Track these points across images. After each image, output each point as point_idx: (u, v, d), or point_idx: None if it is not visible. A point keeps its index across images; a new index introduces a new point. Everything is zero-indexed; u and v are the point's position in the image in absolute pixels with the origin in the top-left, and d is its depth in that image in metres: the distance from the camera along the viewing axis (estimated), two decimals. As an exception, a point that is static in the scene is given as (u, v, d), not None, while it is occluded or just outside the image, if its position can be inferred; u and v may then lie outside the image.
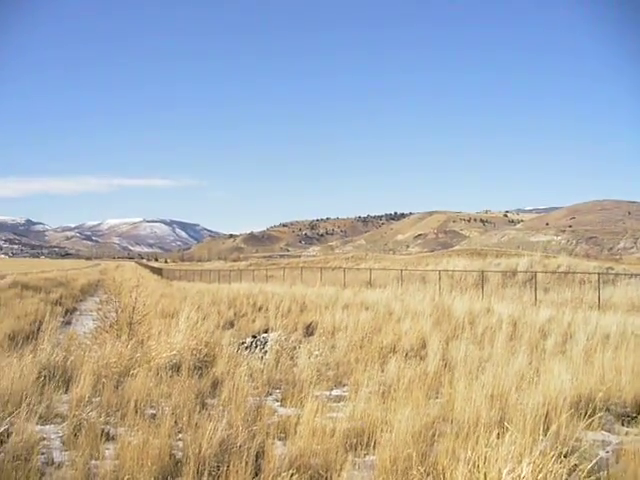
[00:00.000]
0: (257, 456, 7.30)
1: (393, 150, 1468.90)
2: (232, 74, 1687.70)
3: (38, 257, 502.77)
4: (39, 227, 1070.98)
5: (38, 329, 22.46)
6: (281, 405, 10.43)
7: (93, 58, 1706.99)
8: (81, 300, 44.26)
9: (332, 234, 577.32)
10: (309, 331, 21.80)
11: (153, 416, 8.79)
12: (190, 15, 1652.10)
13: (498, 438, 6.64)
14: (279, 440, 8.28)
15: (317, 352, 14.43)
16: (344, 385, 12.30)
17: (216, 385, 11.05)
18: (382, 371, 12.56)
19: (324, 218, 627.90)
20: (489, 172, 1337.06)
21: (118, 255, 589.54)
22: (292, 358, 13.99)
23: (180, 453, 7.47)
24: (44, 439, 8.12)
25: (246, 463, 6.83)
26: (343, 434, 8.18)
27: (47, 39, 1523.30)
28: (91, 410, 8.79)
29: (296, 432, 8.24)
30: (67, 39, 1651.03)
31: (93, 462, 7.26)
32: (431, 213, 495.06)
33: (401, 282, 37.75)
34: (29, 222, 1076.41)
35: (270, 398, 10.84)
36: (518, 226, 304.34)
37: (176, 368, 11.61)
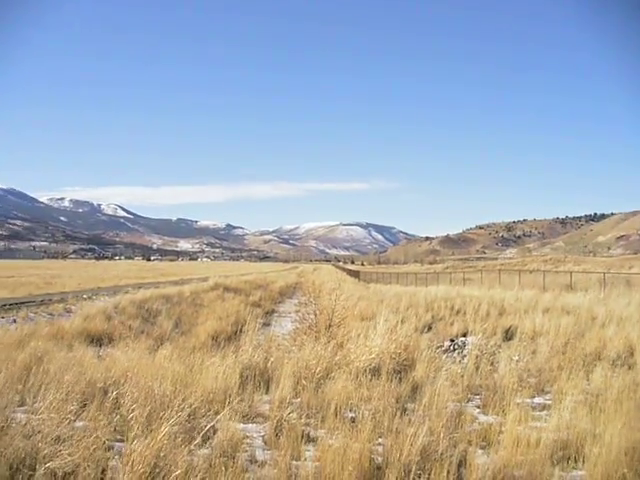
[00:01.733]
0: (459, 465, 7.09)
1: (593, 147, 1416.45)
2: (423, 75, 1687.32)
3: (238, 260, 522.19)
4: (239, 231, 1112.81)
5: (239, 330, 23.26)
6: (481, 412, 10.06)
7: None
8: (279, 302, 45.50)
9: (529, 236, 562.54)
10: (508, 335, 21.28)
11: (353, 420, 8.73)
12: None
13: None
14: (480, 449, 7.97)
15: (516, 357, 13.99)
16: (547, 393, 11.76)
17: (416, 389, 10.82)
18: (587, 379, 11.96)
19: (521, 219, 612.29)
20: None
21: (315, 258, 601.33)
22: (492, 363, 13.59)
23: (380, 458, 7.34)
24: (246, 437, 8.27)
25: (448, 472, 6.64)
26: (548, 446, 7.74)
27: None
28: (292, 411, 8.88)
29: (498, 441, 7.97)
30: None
31: (294, 463, 7.31)
32: (634, 213, 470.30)
33: (603, 286, 36.10)
34: (229, 226, 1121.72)
35: (470, 404, 10.50)
36: None
37: (375, 372, 11.52)
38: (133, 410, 8.10)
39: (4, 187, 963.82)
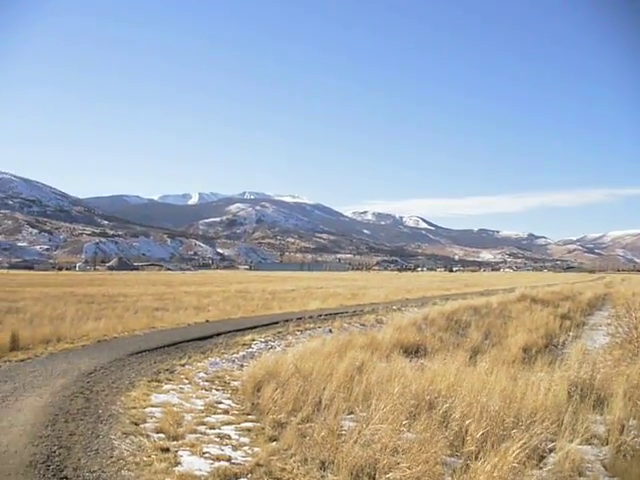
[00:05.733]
0: None
1: None
2: None
3: (540, 270, 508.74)
4: (541, 241, 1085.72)
5: (550, 343, 22.57)
6: None
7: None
8: (588, 314, 43.54)
9: None
10: None
11: None
12: None
13: None
14: None
15: None
16: None
17: None
18: None
19: None
20: None
21: (622, 267, 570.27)
22: None
23: None
24: (583, 460, 7.87)
25: None
26: None
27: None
28: (635, 436, 8.31)
29: None
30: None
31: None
32: None
33: None
34: (531, 236, 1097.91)
35: None
36: None
37: None
38: (466, 425, 8.03)
39: (312, 203, 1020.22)
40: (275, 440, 8.98)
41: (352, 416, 9.63)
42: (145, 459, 8.01)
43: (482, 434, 7.74)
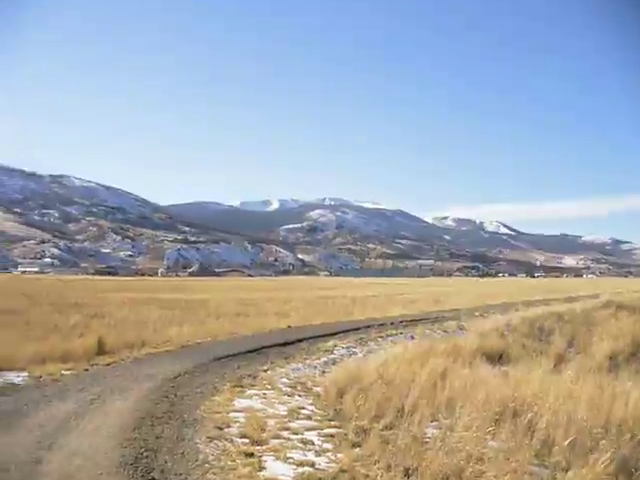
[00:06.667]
0: None
1: None
2: None
3: (625, 276, 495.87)
4: (626, 246, 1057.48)
5: (637, 351, 22.03)
6: None
7: None
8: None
9: None
10: None
11: None
12: None
13: None
14: None
15: None
16: None
17: None
18: None
19: None
20: None
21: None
22: None
23: None
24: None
25: None
26: None
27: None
28: None
29: None
30: None
31: None
32: None
33: None
34: (615, 241, 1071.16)
35: None
36: None
37: None
38: (552, 434, 7.88)
39: (392, 209, 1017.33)
40: (358, 446, 8.98)
41: (435, 423, 9.57)
42: (229, 463, 8.12)
43: (569, 444, 7.58)
